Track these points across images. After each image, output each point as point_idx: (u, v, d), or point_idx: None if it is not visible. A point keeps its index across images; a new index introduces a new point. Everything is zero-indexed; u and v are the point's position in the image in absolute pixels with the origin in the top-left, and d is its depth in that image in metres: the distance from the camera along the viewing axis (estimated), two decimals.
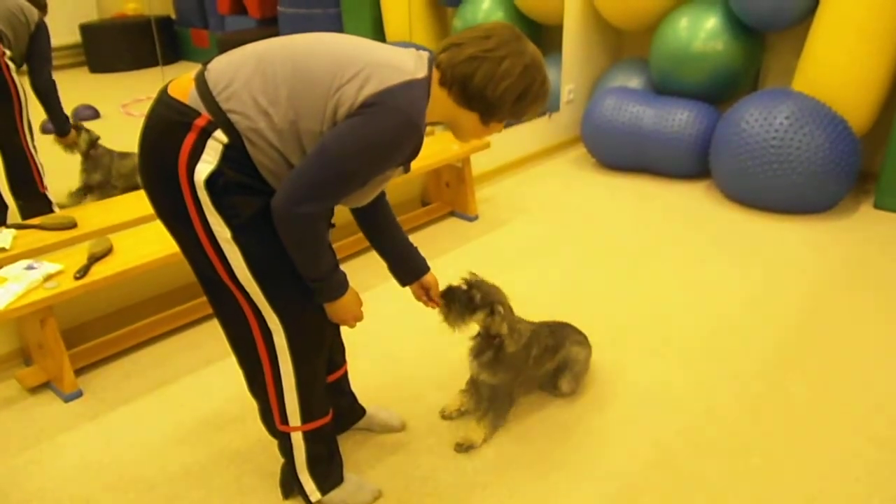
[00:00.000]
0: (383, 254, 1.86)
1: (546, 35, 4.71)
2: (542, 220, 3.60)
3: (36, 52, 3.10)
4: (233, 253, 1.48)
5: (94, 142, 3.35)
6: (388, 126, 1.41)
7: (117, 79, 6.68)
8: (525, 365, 2.07)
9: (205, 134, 1.41)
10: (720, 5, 3.84)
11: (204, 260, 1.52)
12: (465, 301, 1.91)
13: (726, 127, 3.60)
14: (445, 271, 3.10)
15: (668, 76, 3.98)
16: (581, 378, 2.25)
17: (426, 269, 1.90)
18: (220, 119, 1.40)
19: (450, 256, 3.21)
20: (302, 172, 1.41)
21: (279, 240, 1.49)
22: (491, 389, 2.05)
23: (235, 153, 1.41)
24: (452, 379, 2.31)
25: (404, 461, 1.99)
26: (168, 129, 1.42)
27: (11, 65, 2.89)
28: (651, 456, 1.98)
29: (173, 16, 7.61)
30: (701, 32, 3.81)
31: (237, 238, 1.46)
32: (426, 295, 1.92)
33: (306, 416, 1.73)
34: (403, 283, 1.91)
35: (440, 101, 1.52)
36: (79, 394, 2.31)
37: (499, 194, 3.94)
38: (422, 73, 1.47)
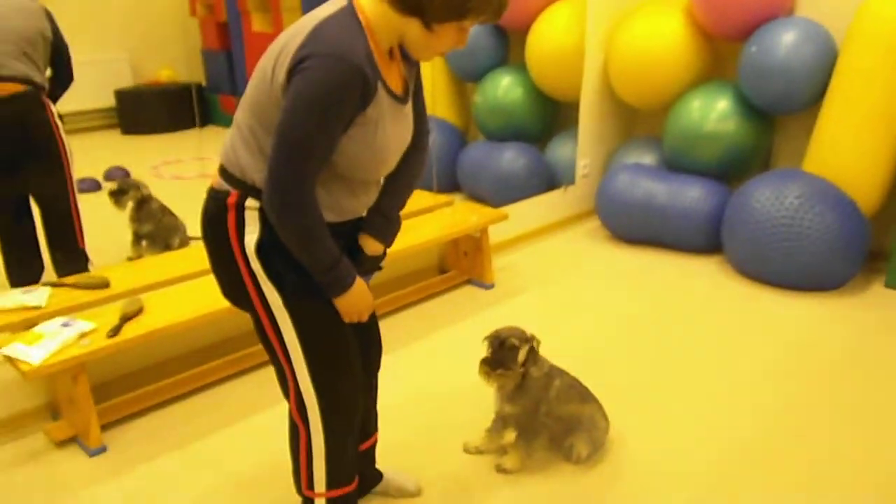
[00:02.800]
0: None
1: (563, 111, 4.89)
2: (558, 289, 3.67)
3: (58, 51, 3.11)
4: (284, 321, 1.59)
5: (144, 198, 3.54)
6: (323, 76, 1.38)
7: (148, 141, 6.95)
8: (546, 395, 2.17)
9: (240, 208, 1.54)
10: (732, 88, 3.99)
11: (264, 335, 1.65)
12: (509, 353, 2.09)
13: (738, 205, 3.70)
14: (462, 337, 3.16)
15: (680, 154, 4.10)
16: (598, 447, 2.29)
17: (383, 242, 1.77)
18: (243, 187, 1.53)
19: (466, 323, 3.28)
20: (270, 163, 1.44)
21: (326, 312, 1.60)
22: (515, 420, 2.19)
23: None
24: (465, 440, 2.36)
25: None
26: (214, 218, 1.57)
27: (60, 124, 3.05)
28: None
29: (204, 83, 7.96)
30: (713, 113, 3.95)
31: (287, 303, 1.57)
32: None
33: (332, 484, 1.78)
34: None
35: (384, 19, 1.47)
36: (103, 449, 2.37)
37: (515, 264, 4.03)
38: (341, 3, 1.47)
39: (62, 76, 3.21)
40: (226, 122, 7.18)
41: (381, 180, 1.72)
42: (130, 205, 3.58)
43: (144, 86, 7.03)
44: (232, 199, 1.54)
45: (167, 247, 3.70)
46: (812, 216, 3.40)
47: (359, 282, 1.60)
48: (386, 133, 1.54)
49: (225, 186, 1.56)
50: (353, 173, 1.56)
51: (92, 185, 4.12)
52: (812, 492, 2.15)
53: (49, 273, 3.21)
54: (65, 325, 2.35)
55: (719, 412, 2.57)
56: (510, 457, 2.25)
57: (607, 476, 2.23)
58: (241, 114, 1.55)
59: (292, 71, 1.40)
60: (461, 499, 2.13)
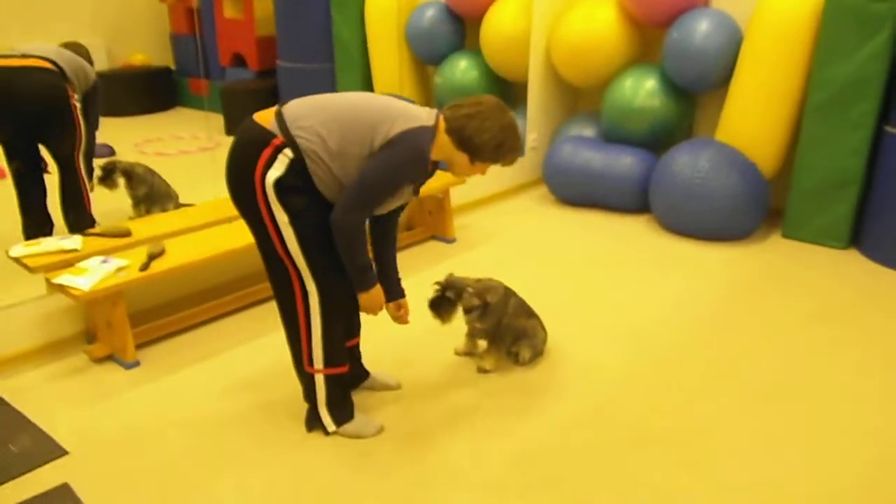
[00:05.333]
0: (378, 265, 2.43)
1: (514, 91, 5.47)
2: (510, 243, 4.27)
3: (88, 111, 3.67)
4: (288, 233, 2.12)
5: (128, 169, 3.95)
6: (405, 156, 2.09)
7: (124, 123, 7.33)
8: (505, 311, 2.76)
9: (277, 150, 2.07)
10: (658, 69, 4.62)
11: (267, 239, 2.16)
12: (446, 303, 2.65)
13: (661, 170, 4.33)
14: (427, 282, 3.74)
15: (615, 127, 4.72)
16: (538, 353, 2.90)
17: (403, 294, 2.49)
18: (290, 140, 2.06)
19: (431, 271, 3.84)
20: (349, 194, 2.08)
21: (322, 227, 2.13)
22: (485, 333, 2.80)
23: (298, 166, 2.06)
24: (437, 352, 2.96)
25: (402, 409, 2.60)
26: (252, 143, 2.09)
27: (78, 105, 3.52)
28: (588, 407, 2.62)
29: (172, 66, 8.31)
30: (642, 91, 4.57)
31: (293, 223, 2.10)
32: (401, 315, 2.50)
33: (328, 362, 2.33)
34: (387, 299, 2.44)
35: (443, 144, 2.17)
36: (137, 363, 2.88)
37: (474, 223, 4.62)
38: (431, 122, 2.15)
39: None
40: (194, 104, 7.57)
41: None
42: (121, 181, 4.02)
43: (119, 69, 7.37)
44: (277, 141, 2.06)
45: (163, 212, 4.15)
46: (720, 178, 4.05)
47: (376, 288, 2.26)
48: (401, 199, 2.25)
49: (276, 129, 2.07)
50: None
51: None
52: (701, 386, 2.79)
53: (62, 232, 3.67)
54: (104, 261, 2.84)
55: (633, 330, 3.20)
56: (487, 359, 2.84)
57: (546, 373, 2.84)
58: (337, 130, 2.07)
59: (385, 144, 2.05)
60: (434, 391, 2.71)
